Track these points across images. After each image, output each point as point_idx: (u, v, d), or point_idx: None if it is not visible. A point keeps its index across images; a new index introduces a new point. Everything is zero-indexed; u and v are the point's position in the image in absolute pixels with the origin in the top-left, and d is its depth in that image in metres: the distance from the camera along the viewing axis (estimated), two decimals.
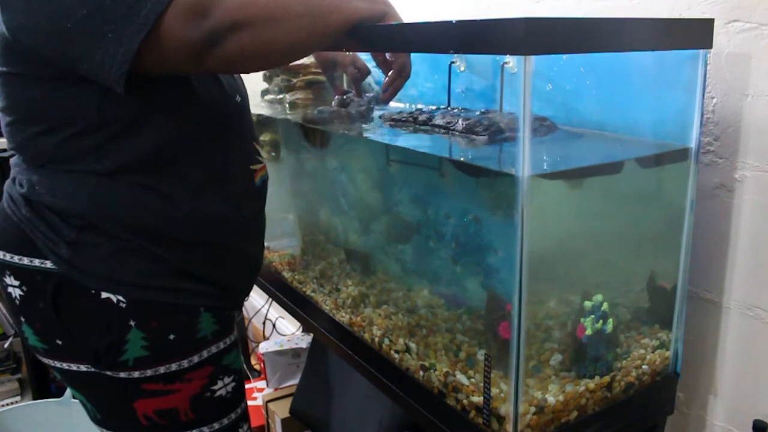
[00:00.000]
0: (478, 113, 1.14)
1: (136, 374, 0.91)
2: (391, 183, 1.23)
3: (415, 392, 1.06)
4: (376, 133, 1.28)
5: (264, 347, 2.07)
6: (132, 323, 0.89)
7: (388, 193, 1.26)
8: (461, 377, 0.98)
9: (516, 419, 0.88)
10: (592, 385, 0.94)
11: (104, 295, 0.88)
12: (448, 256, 1.11)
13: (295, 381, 1.96)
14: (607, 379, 0.96)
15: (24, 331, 0.94)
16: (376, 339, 1.17)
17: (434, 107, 1.27)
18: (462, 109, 1.22)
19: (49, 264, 0.88)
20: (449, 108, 1.24)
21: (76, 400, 1.87)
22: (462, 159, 1.07)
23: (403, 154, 1.21)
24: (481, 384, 0.93)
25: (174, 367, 0.92)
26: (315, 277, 1.45)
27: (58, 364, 0.95)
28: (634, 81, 1.03)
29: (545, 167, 0.89)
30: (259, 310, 2.35)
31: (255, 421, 1.88)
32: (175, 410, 0.94)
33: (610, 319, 0.95)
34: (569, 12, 1.23)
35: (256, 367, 2.39)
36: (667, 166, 1.02)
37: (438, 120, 1.15)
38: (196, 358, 0.94)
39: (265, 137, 1.57)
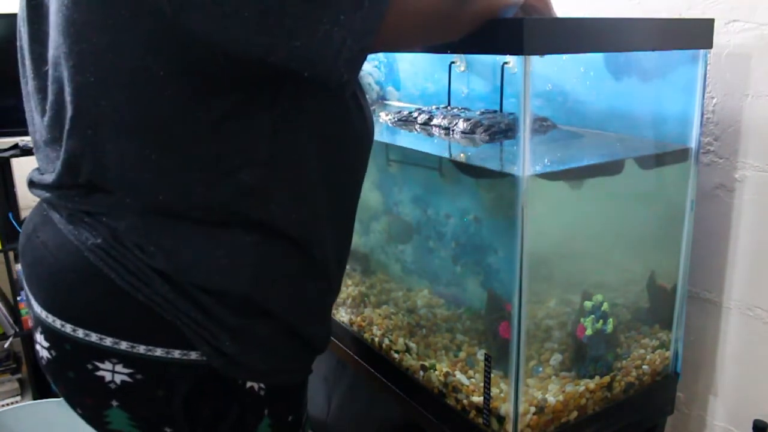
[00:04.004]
0: (478, 113, 1.14)
1: None
2: (392, 183, 1.23)
3: (415, 392, 1.06)
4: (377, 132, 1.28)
5: None
6: (266, 411, 0.77)
7: (388, 193, 1.25)
8: (461, 377, 0.98)
9: (516, 419, 0.88)
10: (592, 385, 0.94)
11: (249, 384, 0.75)
12: (448, 256, 1.11)
13: None
14: (607, 379, 0.96)
15: (108, 415, 0.73)
16: (376, 339, 1.17)
17: (434, 107, 1.27)
18: (462, 108, 1.22)
19: (194, 355, 0.69)
20: (449, 108, 1.24)
21: None
22: (462, 159, 1.07)
23: (403, 154, 1.20)
24: (481, 384, 0.93)
25: None
26: None
27: None
28: (634, 81, 1.03)
29: (545, 167, 0.89)
30: None
31: None
32: None
33: (610, 319, 0.95)
34: (569, 12, 1.23)
35: None
36: (667, 166, 1.02)
37: (438, 120, 1.15)
38: None
39: None
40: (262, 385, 0.75)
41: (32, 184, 0.76)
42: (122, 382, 0.70)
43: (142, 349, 0.68)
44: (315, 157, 0.71)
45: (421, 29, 0.68)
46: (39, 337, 0.74)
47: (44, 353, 0.73)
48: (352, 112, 0.74)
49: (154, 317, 0.67)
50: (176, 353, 0.69)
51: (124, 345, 0.68)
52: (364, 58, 0.62)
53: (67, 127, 0.66)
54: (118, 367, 0.69)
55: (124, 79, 0.62)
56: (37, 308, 0.73)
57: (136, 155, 0.64)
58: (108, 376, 0.70)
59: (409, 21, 0.65)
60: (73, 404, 0.75)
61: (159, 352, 0.68)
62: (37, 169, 0.77)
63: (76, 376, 0.72)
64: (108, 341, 0.68)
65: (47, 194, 0.73)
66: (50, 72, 0.68)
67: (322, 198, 0.74)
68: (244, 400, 0.75)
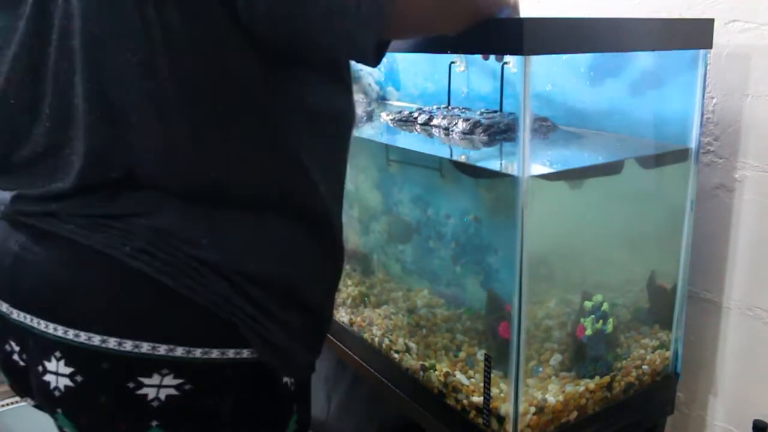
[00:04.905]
0: (478, 113, 1.14)
1: None
2: (391, 183, 1.23)
3: (415, 392, 1.06)
4: (377, 132, 1.28)
5: None
6: (295, 407, 0.77)
7: (388, 193, 1.25)
8: (461, 377, 0.98)
9: (516, 419, 0.88)
10: (592, 385, 0.94)
11: (285, 379, 0.73)
12: (448, 256, 1.11)
13: None
14: (607, 379, 0.96)
15: None
16: (376, 339, 1.17)
17: (434, 107, 1.27)
18: (462, 108, 1.22)
19: (246, 353, 0.67)
20: (449, 108, 1.24)
21: None
22: (462, 159, 1.07)
23: (403, 155, 1.21)
24: (481, 384, 0.93)
25: None
26: None
27: None
28: (634, 81, 1.03)
29: (545, 168, 0.89)
30: None
31: None
32: None
33: (610, 319, 0.95)
34: (569, 12, 1.23)
35: None
36: (667, 166, 1.02)
37: (438, 120, 1.15)
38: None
39: None
40: (292, 380, 0.74)
41: (20, 198, 0.68)
42: (167, 397, 0.64)
43: (198, 352, 0.64)
44: (331, 140, 0.73)
45: (428, 12, 0.67)
46: (53, 365, 0.65)
47: (63, 382, 0.65)
48: (351, 94, 0.76)
49: (208, 316, 0.64)
50: (230, 353, 0.66)
51: (179, 351, 0.63)
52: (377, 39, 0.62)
53: (85, 122, 0.62)
54: (167, 379, 0.64)
55: (173, 55, 0.59)
56: (52, 330, 0.65)
57: (184, 136, 0.62)
58: (151, 393, 0.64)
59: (416, 6, 0.65)
60: None
61: (215, 353, 0.65)
62: (19, 184, 0.69)
63: (109, 401, 0.65)
64: (162, 349, 0.63)
65: (38, 208, 0.67)
66: (50, 71, 0.63)
67: (336, 180, 0.75)
68: (281, 396, 0.73)
